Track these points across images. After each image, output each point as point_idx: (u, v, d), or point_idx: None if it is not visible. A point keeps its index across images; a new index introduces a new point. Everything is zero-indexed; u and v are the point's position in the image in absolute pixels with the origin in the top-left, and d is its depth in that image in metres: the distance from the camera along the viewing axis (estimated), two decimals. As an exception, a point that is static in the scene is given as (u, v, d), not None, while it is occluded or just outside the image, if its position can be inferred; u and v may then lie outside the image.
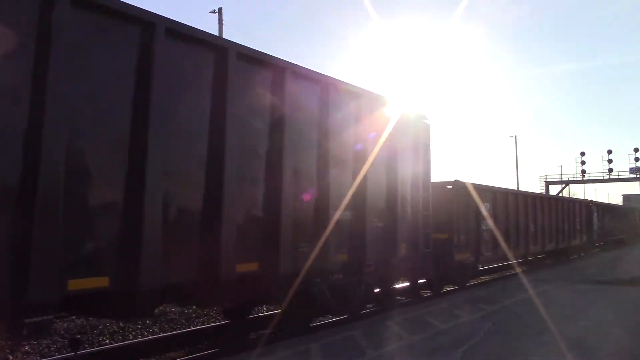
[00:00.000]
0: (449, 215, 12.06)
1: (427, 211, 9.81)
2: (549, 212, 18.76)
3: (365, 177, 8.00)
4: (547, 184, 53.83)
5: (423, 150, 9.88)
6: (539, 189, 53.11)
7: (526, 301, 10.59)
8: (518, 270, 15.09)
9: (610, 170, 50.29)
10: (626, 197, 53.63)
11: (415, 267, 9.60)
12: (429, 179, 10.10)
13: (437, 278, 12.02)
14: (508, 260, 15.67)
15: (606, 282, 13.71)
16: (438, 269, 11.43)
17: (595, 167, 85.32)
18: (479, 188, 13.60)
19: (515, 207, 15.73)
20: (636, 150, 48.80)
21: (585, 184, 54.79)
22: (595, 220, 25.37)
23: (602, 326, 8.22)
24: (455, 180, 12.57)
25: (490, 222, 13.86)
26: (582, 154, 51.54)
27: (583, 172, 51.56)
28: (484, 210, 13.53)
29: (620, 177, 50.76)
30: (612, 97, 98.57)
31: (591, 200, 27.20)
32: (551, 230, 18.98)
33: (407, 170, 9.33)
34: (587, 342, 7.14)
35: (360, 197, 7.95)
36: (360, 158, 8.06)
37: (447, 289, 13.22)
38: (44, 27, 4.45)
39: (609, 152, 50.52)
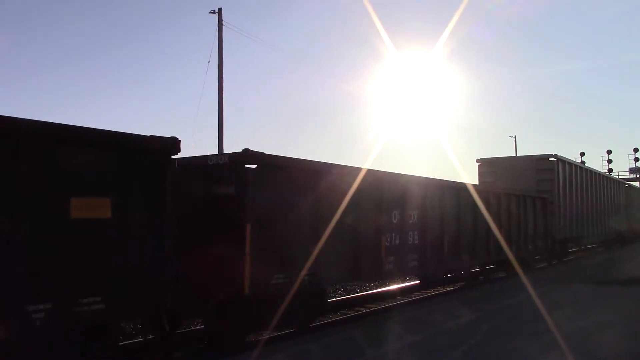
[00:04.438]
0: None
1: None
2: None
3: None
4: (548, 183, 53.82)
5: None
6: (539, 189, 53.11)
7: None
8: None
9: (610, 170, 50.31)
10: None
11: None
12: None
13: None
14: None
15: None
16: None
17: (595, 167, 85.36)
18: None
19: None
20: (636, 150, 48.92)
21: (585, 184, 54.63)
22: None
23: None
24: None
25: None
26: (582, 154, 51.55)
27: (583, 172, 51.56)
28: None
29: (620, 177, 50.78)
30: (612, 97, 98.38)
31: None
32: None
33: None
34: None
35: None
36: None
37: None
38: None
39: (609, 152, 50.59)
